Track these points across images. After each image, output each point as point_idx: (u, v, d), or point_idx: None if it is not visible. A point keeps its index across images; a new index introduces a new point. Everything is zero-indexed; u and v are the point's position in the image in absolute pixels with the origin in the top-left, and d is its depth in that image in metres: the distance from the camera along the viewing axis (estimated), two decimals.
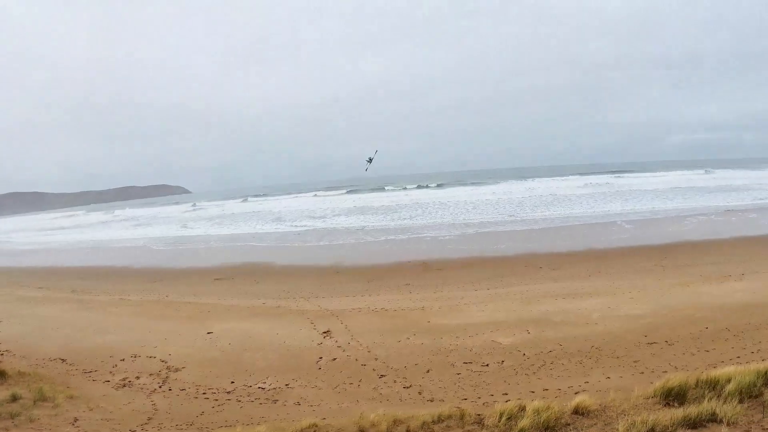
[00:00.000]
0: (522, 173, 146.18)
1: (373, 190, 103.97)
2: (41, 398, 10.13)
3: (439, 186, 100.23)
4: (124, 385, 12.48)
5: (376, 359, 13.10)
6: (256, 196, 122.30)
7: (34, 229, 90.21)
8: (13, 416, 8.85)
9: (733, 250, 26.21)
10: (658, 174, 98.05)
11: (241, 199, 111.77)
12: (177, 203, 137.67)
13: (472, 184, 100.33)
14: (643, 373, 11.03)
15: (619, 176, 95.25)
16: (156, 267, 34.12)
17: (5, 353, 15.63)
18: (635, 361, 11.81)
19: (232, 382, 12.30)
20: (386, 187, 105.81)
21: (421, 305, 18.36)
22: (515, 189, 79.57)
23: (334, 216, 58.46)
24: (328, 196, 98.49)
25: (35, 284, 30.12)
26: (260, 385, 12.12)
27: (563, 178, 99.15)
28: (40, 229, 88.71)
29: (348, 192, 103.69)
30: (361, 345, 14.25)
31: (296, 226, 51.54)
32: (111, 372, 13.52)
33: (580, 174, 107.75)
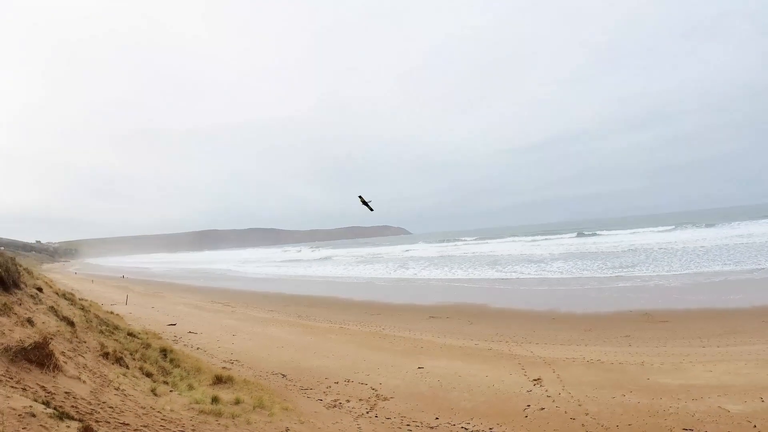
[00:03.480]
0: (757, 212, 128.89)
1: (586, 234, 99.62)
2: (260, 405, 11.29)
3: (664, 229, 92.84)
4: (335, 406, 13.23)
5: (587, 414, 12.33)
6: (474, 238, 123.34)
7: (269, 260, 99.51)
8: (234, 416, 10.01)
9: None
10: None
11: (460, 242, 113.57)
12: (397, 244, 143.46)
13: (705, 225, 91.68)
14: None
15: None
16: (375, 301, 35.79)
17: (235, 363, 17.73)
18: None
19: (437, 418, 12.35)
20: (600, 232, 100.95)
21: (641, 360, 17.00)
22: (756, 231, 70.49)
23: (552, 260, 56.94)
24: (545, 240, 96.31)
25: (266, 307, 33.69)
26: (464, 425, 12.01)
27: None
28: (273, 261, 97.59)
29: (576, 235, 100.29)
30: (572, 397, 13.54)
31: (512, 271, 50.86)
32: (324, 392, 14.39)
33: None
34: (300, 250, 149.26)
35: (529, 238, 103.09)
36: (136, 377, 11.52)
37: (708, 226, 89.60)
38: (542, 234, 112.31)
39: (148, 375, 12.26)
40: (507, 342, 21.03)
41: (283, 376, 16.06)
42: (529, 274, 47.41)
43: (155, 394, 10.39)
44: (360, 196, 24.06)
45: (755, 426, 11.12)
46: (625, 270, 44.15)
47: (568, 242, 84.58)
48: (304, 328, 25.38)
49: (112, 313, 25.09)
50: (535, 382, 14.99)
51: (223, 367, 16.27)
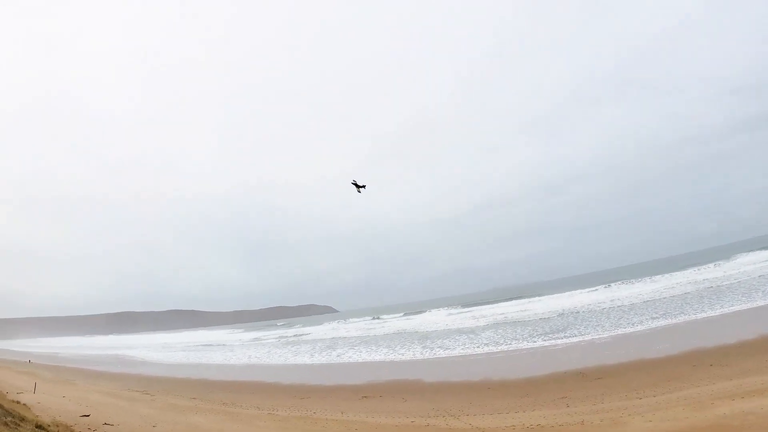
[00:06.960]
0: (676, 263, 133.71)
1: (506, 299, 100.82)
2: None
3: (590, 290, 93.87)
4: None
5: None
6: (402, 313, 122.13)
7: (189, 344, 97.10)
8: None
9: None
10: None
11: (388, 317, 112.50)
12: (323, 323, 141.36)
13: (628, 282, 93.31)
14: None
15: None
16: (304, 384, 34.52)
17: None
18: None
19: None
20: (525, 298, 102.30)
21: (580, 419, 16.72)
22: (673, 283, 72.53)
23: (482, 330, 56.76)
24: (469, 310, 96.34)
25: (188, 394, 31.71)
26: None
27: (730, 260, 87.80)
28: (194, 344, 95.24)
29: (506, 301, 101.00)
30: None
31: (441, 345, 50.13)
32: None
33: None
34: (224, 333, 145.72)
35: (456, 310, 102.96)
36: None
37: (630, 282, 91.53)
38: (466, 305, 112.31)
39: None
40: (444, 416, 20.45)
41: None
42: (459, 346, 46.93)
43: None
44: (354, 182, 24.16)
45: None
46: (554, 333, 44.45)
47: (494, 311, 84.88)
48: (228, 416, 23.76)
49: (17, 402, 23.00)
50: None
51: None
